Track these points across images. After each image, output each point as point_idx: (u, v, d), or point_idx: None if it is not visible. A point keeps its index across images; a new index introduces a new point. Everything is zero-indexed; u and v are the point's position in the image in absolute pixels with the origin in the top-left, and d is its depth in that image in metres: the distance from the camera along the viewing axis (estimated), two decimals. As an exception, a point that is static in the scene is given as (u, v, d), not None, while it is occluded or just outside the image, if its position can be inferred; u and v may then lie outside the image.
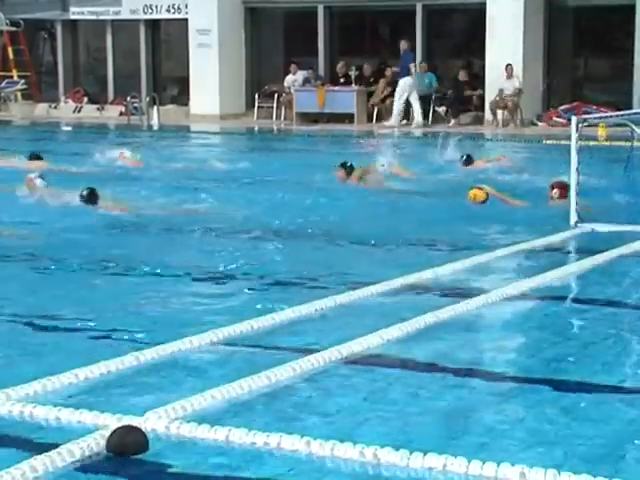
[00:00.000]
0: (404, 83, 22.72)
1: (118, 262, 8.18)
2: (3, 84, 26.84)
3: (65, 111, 26.23)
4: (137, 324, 6.27)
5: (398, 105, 22.80)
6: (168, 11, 25.64)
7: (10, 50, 26.60)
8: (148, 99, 24.15)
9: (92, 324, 6.28)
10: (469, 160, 14.51)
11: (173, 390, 4.94)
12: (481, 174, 13.23)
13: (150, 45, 26.56)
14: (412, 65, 22.85)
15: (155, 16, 25.94)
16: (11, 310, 6.63)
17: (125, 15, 26.20)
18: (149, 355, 5.41)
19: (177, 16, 25.41)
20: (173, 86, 26.92)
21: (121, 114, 25.47)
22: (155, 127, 23.21)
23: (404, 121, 23.31)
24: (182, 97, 25.73)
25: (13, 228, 9.56)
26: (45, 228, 9.64)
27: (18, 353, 5.75)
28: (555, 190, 10.85)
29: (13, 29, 26.66)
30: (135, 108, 24.75)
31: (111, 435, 4.16)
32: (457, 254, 8.27)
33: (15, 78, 26.63)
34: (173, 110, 25.08)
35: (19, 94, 26.60)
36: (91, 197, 10.63)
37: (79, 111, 26.23)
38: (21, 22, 26.66)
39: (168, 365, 5.38)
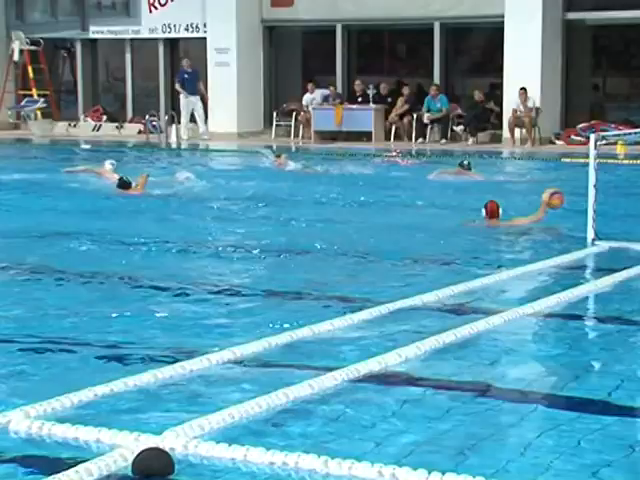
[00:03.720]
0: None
1: (137, 278, 8.21)
2: (23, 103, 27.01)
3: (84, 129, 26.37)
4: (155, 341, 6.28)
5: None
6: (187, 30, 25.76)
7: (30, 69, 26.77)
8: (167, 117, 24.26)
9: (110, 341, 6.30)
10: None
11: (191, 408, 4.95)
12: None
13: (169, 64, 26.68)
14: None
15: (174, 35, 26.07)
16: (27, 326, 6.65)
17: (144, 34, 26.34)
18: (167, 373, 5.42)
19: (196, 35, 25.53)
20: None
21: (140, 132, 25.58)
22: (174, 145, 23.29)
23: (420, 139, 23.35)
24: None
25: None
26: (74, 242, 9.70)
27: (36, 370, 5.77)
28: (483, 210, 10.62)
29: (33, 48, 26.84)
30: (154, 126, 24.86)
31: (141, 457, 4.14)
32: (474, 272, 8.26)
33: (35, 97, 26.79)
34: (191, 128, 25.17)
35: (39, 112, 26.75)
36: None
37: (98, 129, 26.36)
38: (41, 41, 26.84)
39: (186, 383, 5.39)
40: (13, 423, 4.64)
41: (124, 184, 13.79)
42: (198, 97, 24.31)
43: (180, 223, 11.36)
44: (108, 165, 15.31)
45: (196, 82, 24.32)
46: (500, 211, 10.60)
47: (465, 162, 15.50)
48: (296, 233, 10.62)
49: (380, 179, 15.96)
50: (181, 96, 24.51)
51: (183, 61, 24.98)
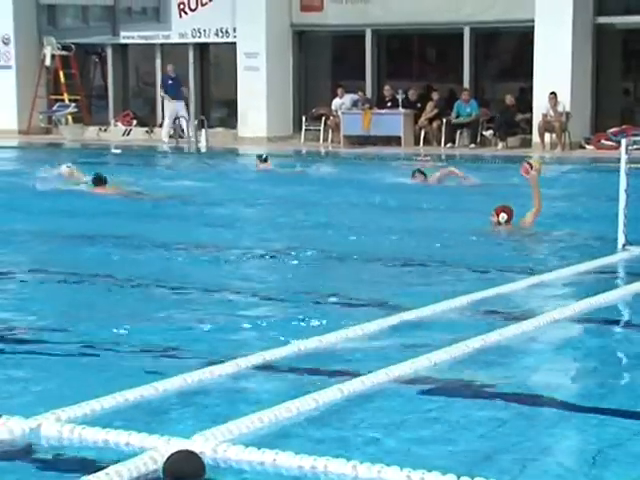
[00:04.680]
0: None
1: (168, 281, 8.24)
2: (54, 107, 27.18)
3: (115, 134, 26.50)
4: (185, 345, 6.31)
5: None
6: (217, 35, 25.84)
7: (62, 74, 26.94)
8: (196, 122, 24.34)
9: (140, 345, 6.33)
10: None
11: (220, 412, 4.96)
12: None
13: (198, 68, 26.78)
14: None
15: (204, 40, 26.16)
16: (57, 329, 6.69)
17: (174, 39, 26.45)
18: (196, 377, 5.44)
19: (225, 40, 25.61)
20: (221, 109, 27.10)
21: (171, 137, 25.67)
22: (203, 150, 23.36)
23: (450, 144, 23.31)
24: (230, 120, 25.89)
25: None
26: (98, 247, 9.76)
27: (66, 375, 5.80)
28: (502, 214, 10.60)
29: (65, 53, 27.01)
30: (183, 131, 24.94)
31: (173, 459, 4.15)
32: (505, 277, 8.23)
33: (66, 102, 26.96)
34: (221, 133, 25.23)
35: (70, 117, 26.91)
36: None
37: (128, 134, 26.49)
38: (72, 46, 27.01)
39: (215, 387, 5.40)
40: (44, 426, 4.67)
41: (100, 181, 13.84)
42: (182, 102, 25.05)
43: (207, 228, 11.39)
44: (64, 168, 15.28)
45: (179, 87, 25.11)
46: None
47: (417, 171, 15.40)
48: (323, 237, 10.62)
49: (390, 184, 15.85)
50: (165, 101, 25.25)
51: (167, 67, 25.64)
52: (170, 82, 25.10)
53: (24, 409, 4.88)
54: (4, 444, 4.58)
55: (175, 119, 24.87)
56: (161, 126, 25.77)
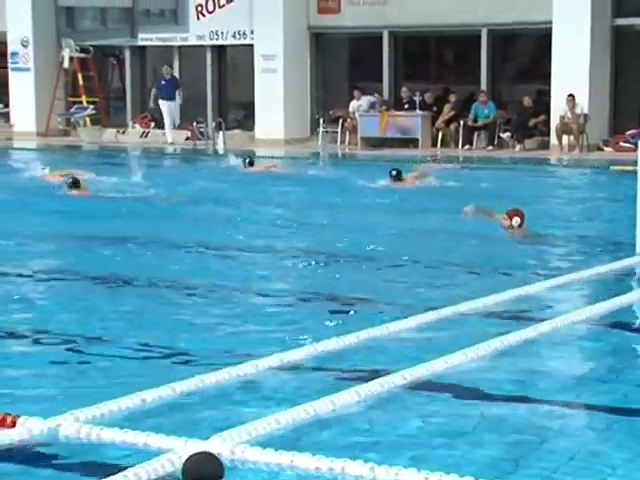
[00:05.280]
0: None
1: (191, 281, 8.26)
2: (72, 109, 27.27)
3: (132, 136, 26.56)
4: (202, 346, 6.32)
5: None
6: (234, 37, 25.89)
7: (80, 76, 27.02)
8: (214, 124, 24.39)
9: (159, 345, 6.34)
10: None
11: (238, 413, 4.97)
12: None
13: (216, 70, 26.82)
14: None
15: (221, 42, 26.21)
16: (75, 331, 6.72)
17: (192, 41, 26.51)
18: (214, 378, 5.44)
19: (243, 42, 25.65)
20: (238, 111, 27.14)
21: (187, 139, 25.73)
22: (221, 151, 23.39)
23: (467, 146, 23.29)
24: (247, 122, 25.93)
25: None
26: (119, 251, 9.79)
27: (85, 375, 5.82)
28: (516, 218, 10.43)
29: (83, 56, 27.10)
30: (201, 133, 24.99)
31: (192, 461, 4.15)
32: (521, 280, 8.22)
33: (84, 104, 27.04)
34: (238, 135, 25.27)
35: (88, 119, 27.00)
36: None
37: (146, 136, 26.55)
38: (90, 49, 27.09)
39: (233, 388, 5.41)
40: (63, 427, 4.69)
41: (76, 183, 14.13)
42: (175, 102, 25.38)
43: (233, 227, 11.41)
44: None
45: (174, 89, 25.38)
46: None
47: (394, 172, 15.38)
48: (351, 238, 10.61)
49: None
50: (160, 103, 25.53)
51: (163, 68, 25.95)
52: (163, 83, 25.48)
53: (42, 409, 4.90)
54: (23, 444, 4.59)
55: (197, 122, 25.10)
56: (178, 128, 25.84)
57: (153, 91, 25.99)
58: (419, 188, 14.88)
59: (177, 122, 25.58)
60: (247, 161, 18.48)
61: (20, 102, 26.95)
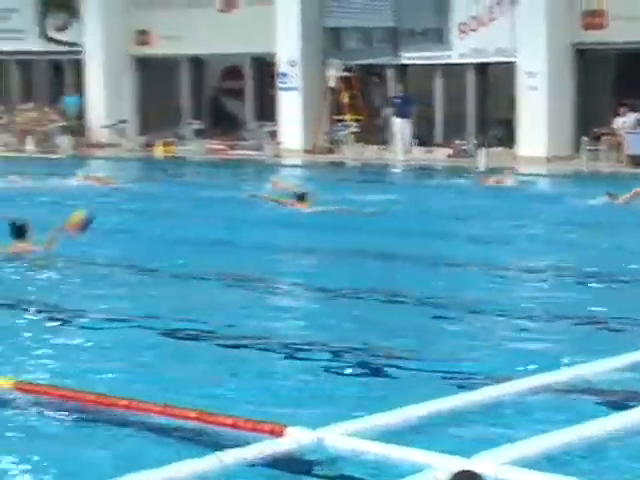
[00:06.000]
0: None
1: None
2: (337, 127, 27.92)
3: (394, 152, 26.87)
4: (461, 365, 6.36)
5: None
6: (496, 54, 25.77)
7: (344, 94, 27.64)
8: (475, 141, 24.32)
9: (423, 362, 6.44)
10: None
11: (499, 434, 4.95)
12: None
13: (479, 88, 26.77)
14: None
15: (483, 59, 26.14)
16: (346, 345, 6.90)
17: (454, 59, 26.58)
18: (474, 397, 5.46)
19: (505, 59, 25.49)
20: (499, 129, 26.96)
21: (449, 156, 25.80)
22: (482, 169, 23.30)
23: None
24: (508, 139, 25.72)
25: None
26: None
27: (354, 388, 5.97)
28: None
29: (347, 74, 27.70)
30: (463, 150, 24.97)
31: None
32: None
33: (348, 121, 27.63)
34: (499, 152, 25.08)
35: (351, 136, 27.55)
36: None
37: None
38: (354, 67, 27.67)
39: (495, 408, 5.40)
40: (329, 439, 4.82)
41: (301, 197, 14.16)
42: (408, 120, 25.53)
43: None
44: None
45: (408, 107, 25.62)
46: None
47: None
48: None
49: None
50: (394, 120, 25.70)
51: (397, 86, 26.39)
52: (398, 101, 25.87)
53: (308, 421, 5.06)
54: (288, 454, 4.75)
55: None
56: (440, 146, 25.96)
57: (388, 110, 26.38)
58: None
59: (408, 140, 25.77)
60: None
61: (289, 120, 27.84)
